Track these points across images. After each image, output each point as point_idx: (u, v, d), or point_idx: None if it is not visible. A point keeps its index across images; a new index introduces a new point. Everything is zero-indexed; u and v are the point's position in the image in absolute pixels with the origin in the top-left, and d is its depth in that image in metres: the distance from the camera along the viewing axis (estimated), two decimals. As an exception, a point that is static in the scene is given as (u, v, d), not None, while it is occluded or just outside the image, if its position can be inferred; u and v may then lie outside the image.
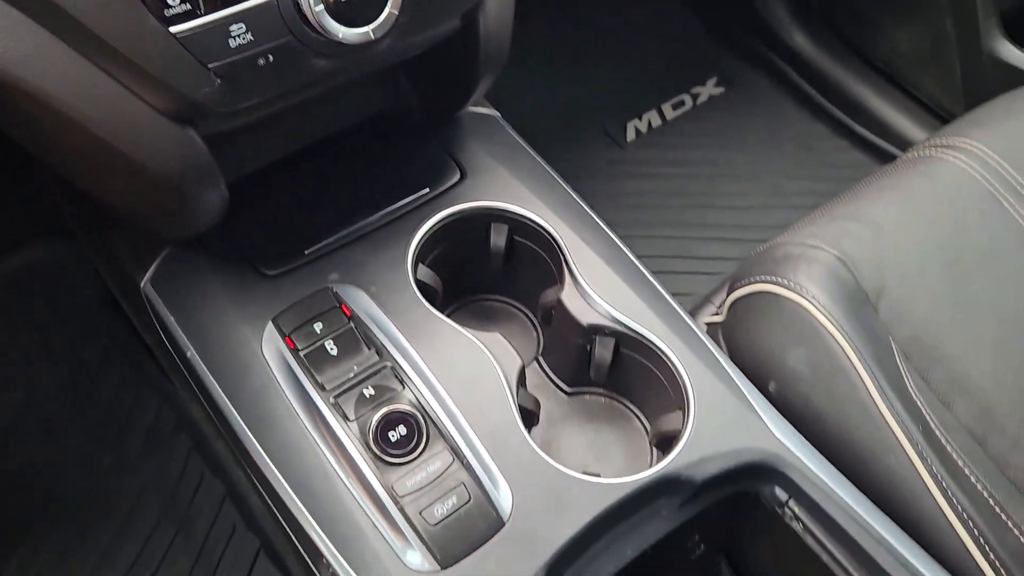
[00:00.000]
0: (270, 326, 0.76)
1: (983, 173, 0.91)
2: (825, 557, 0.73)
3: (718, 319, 0.95)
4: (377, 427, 0.70)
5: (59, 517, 1.18)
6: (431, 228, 0.84)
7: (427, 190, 0.86)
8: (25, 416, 1.25)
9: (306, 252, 0.82)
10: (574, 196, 0.89)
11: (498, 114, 0.95)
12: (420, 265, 0.83)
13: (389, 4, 0.66)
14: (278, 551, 1.14)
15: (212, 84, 0.63)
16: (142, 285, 0.82)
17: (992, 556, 0.73)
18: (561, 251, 0.83)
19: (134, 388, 1.28)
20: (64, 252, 1.36)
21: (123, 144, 0.64)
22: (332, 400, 0.72)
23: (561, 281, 0.83)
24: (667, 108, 1.64)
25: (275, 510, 0.74)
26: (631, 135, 1.60)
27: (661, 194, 1.52)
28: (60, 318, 1.34)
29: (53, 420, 1.25)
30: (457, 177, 0.87)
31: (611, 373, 0.83)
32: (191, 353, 0.78)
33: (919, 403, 0.79)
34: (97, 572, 1.14)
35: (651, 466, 0.73)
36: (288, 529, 0.73)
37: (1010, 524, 0.74)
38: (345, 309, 0.77)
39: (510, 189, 0.86)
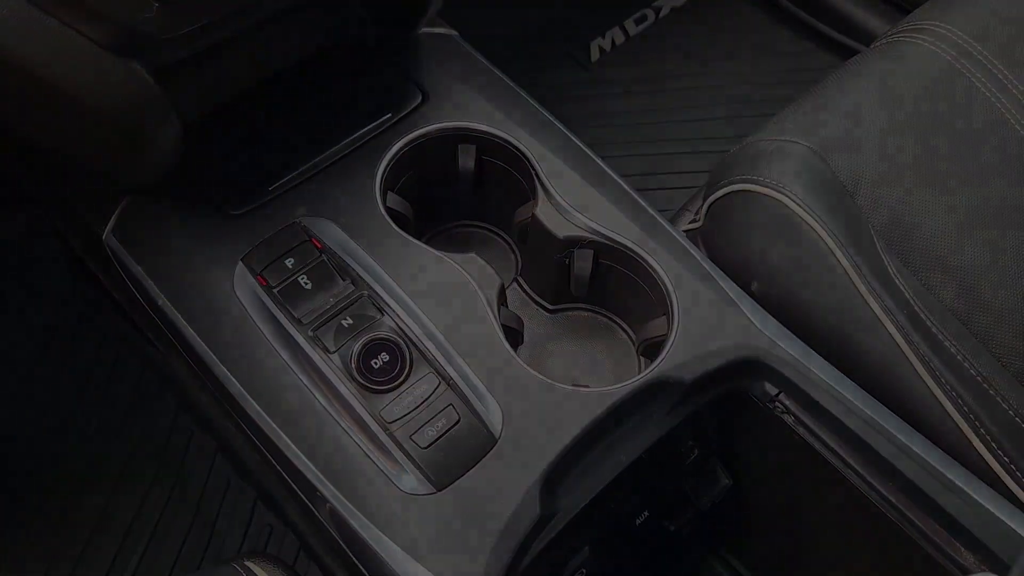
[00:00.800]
0: (240, 266, 0.75)
1: (953, 54, 0.89)
2: (818, 446, 0.73)
3: (695, 226, 0.94)
4: (359, 356, 0.69)
5: (52, 483, 1.17)
6: (396, 153, 0.81)
7: (389, 115, 0.84)
8: (4, 389, 1.23)
9: (270, 188, 0.79)
10: (540, 110, 0.87)
11: (456, 32, 0.92)
12: (389, 193, 0.81)
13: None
14: (274, 498, 1.14)
15: (150, 9, 0.60)
16: (104, 237, 0.80)
17: (983, 431, 0.74)
18: (532, 166, 0.81)
19: (113, 351, 1.26)
20: (23, 225, 1.33)
21: (65, 83, 0.61)
22: (310, 333, 0.71)
23: (534, 196, 0.81)
24: (630, 24, 1.59)
25: (265, 452, 0.73)
26: (595, 54, 1.56)
27: (630, 112, 1.49)
28: (28, 289, 1.31)
29: (32, 390, 1.23)
30: (419, 100, 0.85)
31: (592, 286, 0.81)
32: (162, 301, 0.76)
33: (902, 288, 0.78)
34: (97, 533, 1.13)
35: (639, 373, 0.73)
36: (280, 469, 0.72)
37: (998, 399, 0.75)
38: (316, 242, 0.75)
39: (474, 107, 0.84)
